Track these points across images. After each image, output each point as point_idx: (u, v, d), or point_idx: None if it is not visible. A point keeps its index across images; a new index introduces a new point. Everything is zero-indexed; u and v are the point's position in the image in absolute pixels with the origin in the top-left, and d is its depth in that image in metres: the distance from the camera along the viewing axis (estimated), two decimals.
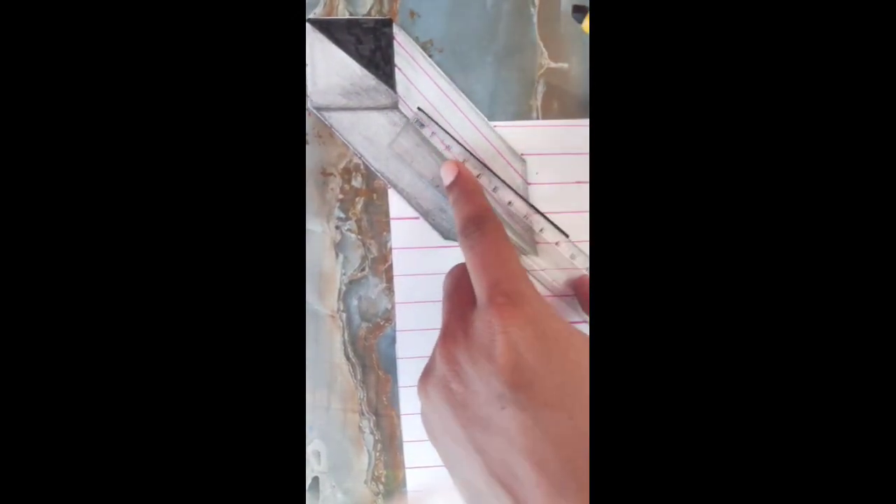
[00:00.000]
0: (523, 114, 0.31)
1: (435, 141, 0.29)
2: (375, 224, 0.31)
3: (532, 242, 0.31)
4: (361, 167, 0.30)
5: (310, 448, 0.30)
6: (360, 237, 0.31)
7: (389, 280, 0.31)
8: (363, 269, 0.31)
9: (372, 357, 0.31)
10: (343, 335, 0.31)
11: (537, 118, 0.31)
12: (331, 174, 0.30)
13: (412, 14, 0.30)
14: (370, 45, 0.29)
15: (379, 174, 0.30)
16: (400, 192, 0.30)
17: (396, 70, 0.30)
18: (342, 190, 0.31)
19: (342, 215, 0.31)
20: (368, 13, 0.30)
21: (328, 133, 0.30)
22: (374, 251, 0.31)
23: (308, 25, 0.30)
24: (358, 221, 0.31)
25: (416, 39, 0.30)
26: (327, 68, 0.29)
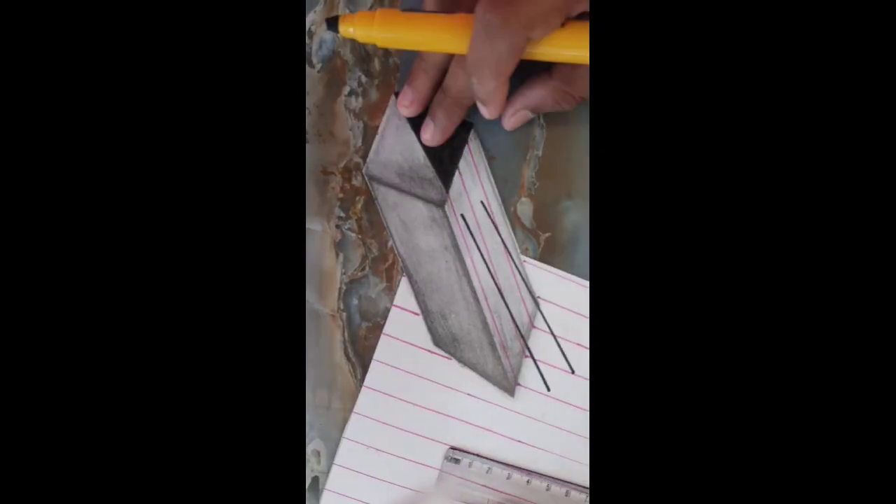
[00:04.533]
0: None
1: (470, 478, 0.30)
2: (376, 223, 0.31)
3: (513, 384, 0.31)
4: (361, 166, 0.30)
5: (310, 448, 0.30)
6: (360, 236, 0.31)
7: (390, 279, 0.31)
8: (363, 269, 0.31)
9: (372, 357, 0.31)
10: (343, 335, 0.31)
11: (539, 116, 0.31)
12: (331, 173, 0.30)
13: None
14: None
15: (400, 259, 0.30)
16: (412, 283, 0.30)
17: (458, 174, 0.29)
18: (342, 189, 0.30)
19: (342, 214, 0.31)
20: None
21: (328, 132, 0.30)
22: (375, 250, 0.31)
23: (392, 98, 0.29)
24: (358, 221, 0.31)
25: None
26: (394, 145, 0.29)
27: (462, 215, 0.29)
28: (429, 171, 0.28)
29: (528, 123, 0.30)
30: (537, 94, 0.27)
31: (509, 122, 0.28)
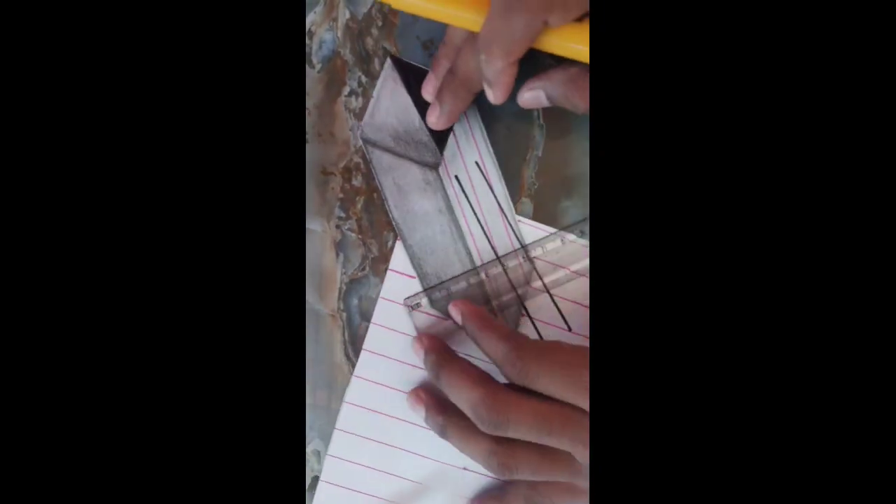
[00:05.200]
0: (523, 113, 0.30)
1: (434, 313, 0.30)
2: (376, 223, 0.31)
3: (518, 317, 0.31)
4: (361, 166, 0.30)
5: (310, 448, 0.30)
6: (360, 236, 0.31)
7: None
8: (364, 269, 0.31)
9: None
10: (343, 335, 0.31)
11: (538, 117, 0.31)
12: (331, 173, 0.30)
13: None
14: None
15: (395, 223, 0.30)
16: (407, 248, 0.30)
17: (452, 135, 0.30)
18: (342, 189, 0.30)
19: (342, 214, 0.31)
20: (369, 12, 0.30)
21: (328, 132, 0.30)
22: (375, 250, 0.31)
23: (388, 61, 0.30)
24: (358, 221, 0.31)
25: (417, 38, 0.30)
26: (389, 108, 0.30)
27: (456, 176, 0.29)
28: (424, 134, 0.29)
29: (529, 123, 0.30)
30: (557, 79, 0.27)
31: (523, 98, 0.28)
